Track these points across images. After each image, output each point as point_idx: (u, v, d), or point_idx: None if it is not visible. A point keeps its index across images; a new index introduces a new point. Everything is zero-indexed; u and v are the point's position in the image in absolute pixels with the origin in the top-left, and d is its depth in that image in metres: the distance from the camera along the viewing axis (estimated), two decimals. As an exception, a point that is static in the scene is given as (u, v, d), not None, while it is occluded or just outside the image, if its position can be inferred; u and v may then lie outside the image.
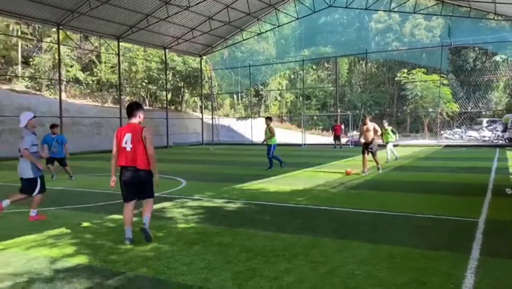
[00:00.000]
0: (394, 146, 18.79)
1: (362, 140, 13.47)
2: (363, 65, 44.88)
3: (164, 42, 30.60)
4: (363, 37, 49.29)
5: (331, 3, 27.91)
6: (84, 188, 10.97)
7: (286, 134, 37.68)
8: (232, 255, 5.04)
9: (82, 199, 9.38)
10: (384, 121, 18.14)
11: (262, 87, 45.62)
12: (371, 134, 12.87)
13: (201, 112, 38.23)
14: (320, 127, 44.78)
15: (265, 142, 14.79)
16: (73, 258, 5.01)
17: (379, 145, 13.88)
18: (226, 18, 28.09)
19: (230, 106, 47.52)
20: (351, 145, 29.13)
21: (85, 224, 6.79)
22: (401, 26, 46.10)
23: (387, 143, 17.30)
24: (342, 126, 29.71)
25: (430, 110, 36.91)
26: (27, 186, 7.17)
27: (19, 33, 33.59)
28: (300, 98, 46.33)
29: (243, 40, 34.48)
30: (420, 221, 6.82)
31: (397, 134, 19.78)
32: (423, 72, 37.42)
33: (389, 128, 17.65)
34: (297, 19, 31.77)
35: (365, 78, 44.30)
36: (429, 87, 36.18)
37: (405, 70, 39.19)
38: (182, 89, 41.32)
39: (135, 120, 5.77)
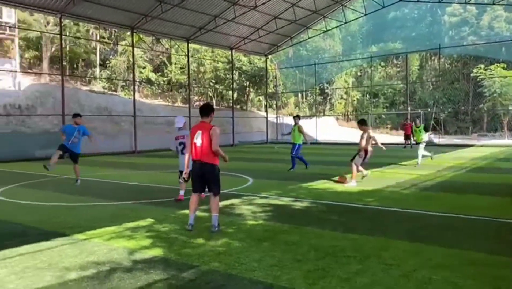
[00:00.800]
0: (427, 145, 16.93)
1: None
2: (436, 61, 42.70)
3: (231, 42, 31.19)
4: (435, 31, 46.98)
5: (401, -3, 26.84)
6: (156, 184, 11.47)
7: (352, 133, 36.87)
8: (301, 254, 5.03)
9: (154, 194, 9.83)
10: (416, 118, 16.91)
11: (327, 85, 45.03)
12: (363, 142, 11.10)
13: (266, 111, 38.52)
14: (389, 126, 43.32)
15: (305, 142, 14.64)
16: (150, 250, 5.26)
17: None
18: (292, 16, 28.03)
19: (295, 104, 47.41)
20: (422, 144, 27.83)
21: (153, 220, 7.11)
22: (478, 19, 43.32)
23: (418, 142, 15.81)
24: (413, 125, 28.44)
25: (511, 108, 34.30)
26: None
27: (98, 37, 35.95)
28: (367, 96, 45.11)
29: (309, 38, 34.24)
30: (502, 226, 6.37)
31: (427, 133, 17.80)
32: (503, 68, 34.87)
33: (421, 126, 16.05)
34: (365, 15, 30.93)
35: (438, 75, 42.12)
36: (509, 84, 33.64)
37: (482, 66, 36.76)
38: (248, 88, 41.90)
39: (206, 119, 6.27)
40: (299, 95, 47.69)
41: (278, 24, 28.92)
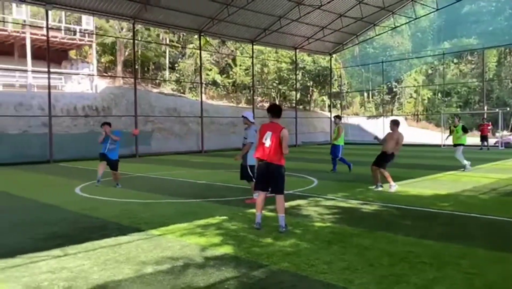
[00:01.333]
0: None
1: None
2: (516, 57, 39.63)
3: (295, 42, 31.11)
4: (515, 25, 43.59)
5: (478, -11, 25.21)
6: (222, 183, 11.71)
7: (422, 134, 35.27)
8: (373, 258, 4.88)
9: (222, 192, 10.04)
10: (455, 117, 14.67)
11: (395, 84, 43.44)
12: (392, 144, 10.15)
13: (330, 111, 37.96)
14: (490, 127, 40.89)
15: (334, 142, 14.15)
16: (220, 248, 5.37)
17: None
18: (358, 14, 27.36)
19: (360, 104, 46.28)
20: (501, 146, 25.99)
21: (224, 217, 7.24)
22: None
23: (456, 145, 13.71)
24: (490, 126, 26.68)
25: None
26: (246, 172, 8.51)
27: (167, 41, 37.47)
28: (439, 94, 42.92)
29: (376, 35, 33.22)
30: None
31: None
32: None
33: (460, 125, 13.77)
34: (437, 10, 29.41)
35: (518, 71, 39.08)
36: None
37: None
38: (311, 88, 41.55)
39: (277, 120, 6.36)
40: (365, 94, 46.45)
41: (343, 22, 28.37)
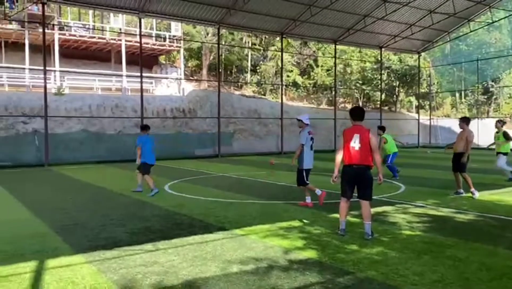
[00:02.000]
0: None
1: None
2: None
3: (380, 41, 30.01)
4: None
5: None
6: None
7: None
8: (470, 272, 4.51)
9: (303, 195, 9.91)
10: (498, 121, 12.58)
11: (492, 84, 40.06)
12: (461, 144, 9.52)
13: (417, 112, 36.01)
14: None
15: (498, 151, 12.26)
16: (304, 252, 5.31)
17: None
18: (451, 9, 25.64)
19: (451, 105, 43.40)
20: None
21: (306, 220, 7.16)
22: None
23: (499, 153, 12.03)
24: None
25: None
26: (298, 175, 8.49)
27: (250, 44, 38.24)
28: (544, 94, 38.84)
29: (470, 31, 30.88)
30: None
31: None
32: None
33: (501, 132, 12.11)
34: (543, 0, 26.64)
35: None
36: None
37: None
38: (397, 88, 39.82)
39: (360, 123, 6.15)
40: (457, 94, 43.46)
41: (434, 18, 26.77)
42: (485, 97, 40.47)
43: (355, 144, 5.96)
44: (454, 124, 35.92)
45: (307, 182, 8.41)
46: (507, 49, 39.16)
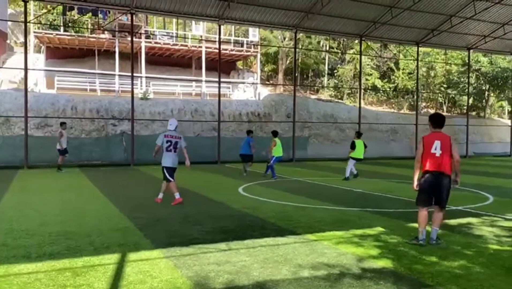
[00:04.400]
0: None
1: None
2: None
3: (468, 42, 28.07)
4: None
5: None
6: (380, 193, 11.20)
7: None
8: None
9: (380, 203, 9.59)
10: None
11: None
12: None
13: (510, 118, 33.13)
14: None
15: None
16: (378, 260, 5.11)
17: None
18: (551, 5, 23.29)
19: (551, 111, 39.35)
20: None
21: (382, 229, 6.88)
22: None
23: None
24: None
25: None
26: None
27: (327, 47, 37.82)
28: None
29: None
30: None
31: None
32: None
33: None
34: None
35: None
36: None
37: None
38: (487, 92, 36.98)
39: (439, 130, 6.03)
40: (557, 99, 39.32)
41: (530, 16, 24.52)
42: None
43: (436, 151, 5.83)
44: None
45: (170, 179, 9.19)
46: None
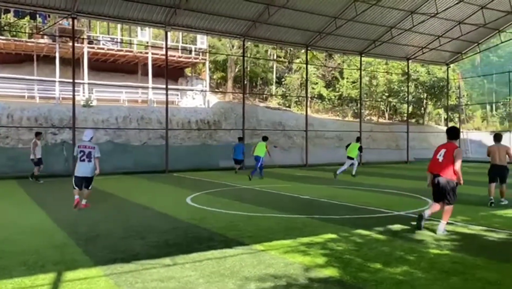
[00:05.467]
0: None
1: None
2: None
3: (407, 53, 29.53)
4: None
5: None
6: (327, 199, 11.37)
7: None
8: (503, 297, 4.23)
9: (326, 209, 9.73)
10: None
11: (525, 96, 38.76)
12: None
13: (446, 125, 35.10)
14: None
15: None
16: (325, 269, 5.13)
17: None
18: (480, 20, 25.02)
19: (482, 118, 42.17)
20: None
21: (329, 236, 6.95)
22: None
23: None
24: None
25: None
26: None
27: (275, 56, 38.34)
28: None
29: (501, 42, 30.03)
30: None
31: None
32: None
33: None
34: None
35: None
36: None
37: None
38: (425, 100, 39.01)
39: (452, 141, 7.39)
40: (488, 107, 42.24)
41: (462, 29, 26.19)
42: (518, 110, 39.14)
43: (440, 157, 7.23)
44: (485, 137, 34.90)
45: (74, 186, 9.78)
46: (542, 60, 37.90)
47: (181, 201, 10.99)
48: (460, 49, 30.34)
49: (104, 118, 22.75)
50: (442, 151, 7.23)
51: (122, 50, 28.67)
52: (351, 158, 17.91)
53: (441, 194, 7.20)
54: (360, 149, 18.34)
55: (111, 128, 22.36)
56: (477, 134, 36.13)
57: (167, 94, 22.10)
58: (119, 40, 29.73)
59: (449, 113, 36.42)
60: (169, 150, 21.48)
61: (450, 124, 34.84)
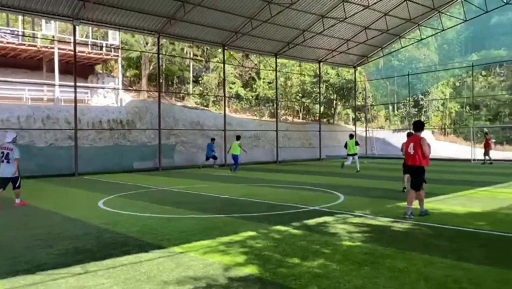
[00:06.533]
0: None
1: None
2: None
3: (319, 55, 30.90)
4: (547, 36, 42.31)
5: (508, 0, 24.53)
6: (246, 197, 11.46)
7: (451, 148, 34.34)
8: (409, 283, 4.54)
9: (245, 208, 9.79)
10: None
11: (422, 97, 42.59)
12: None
13: (354, 124, 37.40)
14: (493, 140, 39.62)
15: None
16: (245, 268, 5.12)
17: None
18: (384, 26, 27.01)
19: (385, 118, 45.50)
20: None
21: (248, 234, 6.98)
22: None
23: None
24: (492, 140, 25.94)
25: None
26: None
27: (191, 55, 37.86)
28: (467, 107, 41.81)
29: (402, 47, 32.69)
30: None
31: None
32: None
33: None
34: (465, 21, 28.78)
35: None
36: None
37: None
38: (335, 101, 41.13)
39: (418, 133, 8.35)
40: (390, 107, 45.71)
41: (368, 34, 28.05)
42: (416, 109, 42.89)
43: (410, 150, 8.20)
44: (388, 135, 37.75)
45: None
46: (434, 64, 41.90)
47: (93, 205, 10.36)
48: (366, 53, 32.46)
49: (4, 118, 20.74)
50: (411, 145, 8.23)
51: (24, 44, 26.35)
52: (353, 155, 19.25)
53: (413, 179, 8.30)
54: (357, 143, 20.00)
55: (12, 128, 20.43)
56: (381, 133, 38.93)
57: (75, 92, 20.77)
58: (20, 33, 27.30)
59: (357, 113, 38.81)
60: (79, 152, 20.22)
61: (358, 124, 37.20)
